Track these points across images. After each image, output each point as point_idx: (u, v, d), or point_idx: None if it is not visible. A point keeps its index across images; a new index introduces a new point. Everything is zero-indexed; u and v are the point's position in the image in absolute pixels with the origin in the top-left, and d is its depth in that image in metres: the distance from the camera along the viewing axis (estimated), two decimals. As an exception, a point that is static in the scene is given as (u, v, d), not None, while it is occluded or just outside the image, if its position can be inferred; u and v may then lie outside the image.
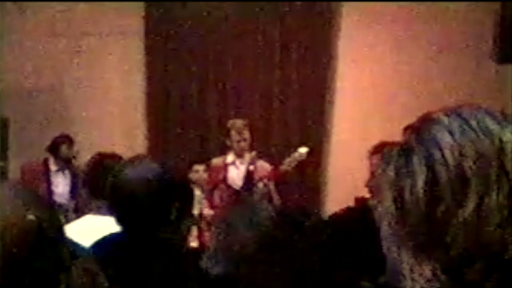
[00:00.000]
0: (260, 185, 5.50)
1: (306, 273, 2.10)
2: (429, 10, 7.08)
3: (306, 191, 7.29)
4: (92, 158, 3.23)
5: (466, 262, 0.75)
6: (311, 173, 7.23)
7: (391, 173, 0.81)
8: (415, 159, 0.79)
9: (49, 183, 6.15)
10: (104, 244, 2.03)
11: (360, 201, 6.48)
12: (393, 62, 7.26)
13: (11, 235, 1.19)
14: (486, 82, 6.91)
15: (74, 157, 6.12)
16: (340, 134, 7.38)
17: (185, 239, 2.12)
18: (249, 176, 5.62)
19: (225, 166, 5.76)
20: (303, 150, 5.74)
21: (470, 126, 0.78)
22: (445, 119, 0.80)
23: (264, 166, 5.76)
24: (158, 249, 1.96)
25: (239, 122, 5.76)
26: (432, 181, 0.77)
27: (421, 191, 0.77)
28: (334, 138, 7.42)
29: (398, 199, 0.79)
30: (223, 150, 6.12)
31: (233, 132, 5.68)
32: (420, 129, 0.82)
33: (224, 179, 5.71)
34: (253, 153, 5.70)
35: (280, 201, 5.69)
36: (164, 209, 1.99)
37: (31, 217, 1.21)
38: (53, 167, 6.25)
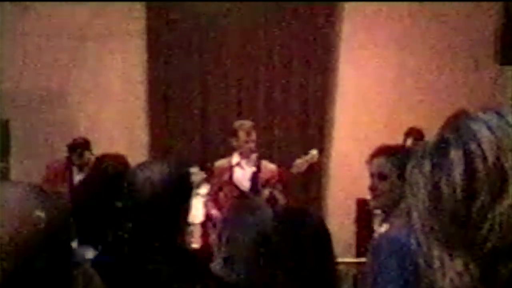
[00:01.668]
0: (266, 192, 5.49)
1: (306, 273, 2.10)
2: (431, 11, 7.09)
3: (308, 193, 7.29)
4: (96, 158, 3.23)
5: (500, 257, 0.75)
6: (313, 175, 7.22)
7: (427, 166, 0.82)
8: (453, 153, 0.79)
9: (71, 181, 6.14)
10: (116, 247, 2.05)
11: (361, 202, 6.50)
12: (395, 64, 7.26)
13: (19, 230, 1.19)
14: (487, 83, 6.91)
15: (87, 163, 6.03)
16: (342, 135, 7.38)
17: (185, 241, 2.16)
18: (255, 178, 5.62)
19: (230, 167, 5.73)
20: (314, 151, 5.75)
21: (508, 122, 0.79)
22: (484, 115, 0.81)
23: (268, 167, 5.76)
24: (171, 253, 1.97)
25: (247, 123, 5.75)
26: (470, 174, 0.77)
27: (458, 183, 0.77)
28: (336, 139, 7.42)
29: (434, 192, 0.80)
30: (224, 151, 6.11)
31: (241, 133, 5.65)
32: (457, 123, 0.82)
33: (230, 180, 5.69)
34: (254, 155, 5.69)
35: (286, 203, 5.68)
36: (177, 211, 2.01)
37: (39, 213, 1.21)
38: (75, 170, 6.22)
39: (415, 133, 6.09)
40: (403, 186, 1.96)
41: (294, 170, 5.64)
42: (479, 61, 7.01)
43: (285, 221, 2.22)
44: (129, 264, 1.95)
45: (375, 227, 5.72)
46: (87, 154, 6.04)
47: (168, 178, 1.99)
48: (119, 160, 3.68)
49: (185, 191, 2.09)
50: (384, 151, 2.99)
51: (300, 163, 5.65)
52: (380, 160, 2.95)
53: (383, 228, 5.48)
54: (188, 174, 2.13)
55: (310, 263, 2.08)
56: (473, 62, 7.06)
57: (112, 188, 3.10)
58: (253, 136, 5.70)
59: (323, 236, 2.20)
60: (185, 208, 2.08)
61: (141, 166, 2.11)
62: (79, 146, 6.10)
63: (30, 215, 1.20)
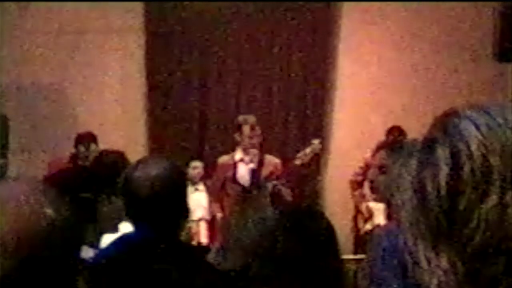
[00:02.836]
0: (269, 186, 5.45)
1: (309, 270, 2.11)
2: (429, 9, 7.09)
3: (307, 190, 7.30)
4: (96, 154, 3.25)
5: (486, 256, 0.75)
6: (311, 172, 7.22)
7: (413, 164, 0.81)
8: (439, 151, 0.79)
9: None
10: (122, 243, 2.05)
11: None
12: (393, 61, 7.27)
13: (26, 227, 1.18)
14: (486, 80, 6.92)
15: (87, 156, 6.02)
16: (341, 133, 7.39)
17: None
18: (256, 173, 5.57)
19: (234, 163, 5.66)
20: (316, 141, 5.72)
21: (496, 121, 0.78)
22: (471, 113, 0.80)
23: (272, 161, 5.71)
24: (170, 249, 1.98)
25: (251, 118, 5.69)
26: (456, 172, 0.76)
27: (444, 182, 0.77)
28: (334, 137, 7.42)
29: (420, 190, 0.79)
30: (224, 149, 6.11)
31: (245, 128, 5.58)
32: (445, 122, 0.81)
33: (233, 177, 5.63)
34: (255, 150, 5.66)
35: (291, 197, 5.65)
36: (182, 206, 2.01)
37: (49, 211, 1.21)
38: (81, 162, 6.20)
39: (396, 131, 6.22)
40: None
41: (298, 161, 5.60)
42: (478, 59, 7.01)
43: (288, 219, 2.22)
44: (129, 263, 1.95)
45: (359, 224, 5.74)
46: (93, 147, 6.02)
47: (166, 174, 1.99)
48: (119, 156, 3.71)
49: (183, 187, 2.10)
50: (387, 144, 3.01)
51: (303, 155, 5.62)
52: (382, 153, 2.97)
53: (368, 225, 5.49)
54: (184, 172, 2.14)
55: (313, 261, 2.08)
56: (472, 60, 7.07)
57: (112, 181, 3.11)
58: (258, 131, 5.64)
59: (328, 234, 2.20)
60: (183, 204, 2.08)
61: (139, 162, 2.12)
62: (86, 139, 6.09)
63: (38, 212, 1.19)
